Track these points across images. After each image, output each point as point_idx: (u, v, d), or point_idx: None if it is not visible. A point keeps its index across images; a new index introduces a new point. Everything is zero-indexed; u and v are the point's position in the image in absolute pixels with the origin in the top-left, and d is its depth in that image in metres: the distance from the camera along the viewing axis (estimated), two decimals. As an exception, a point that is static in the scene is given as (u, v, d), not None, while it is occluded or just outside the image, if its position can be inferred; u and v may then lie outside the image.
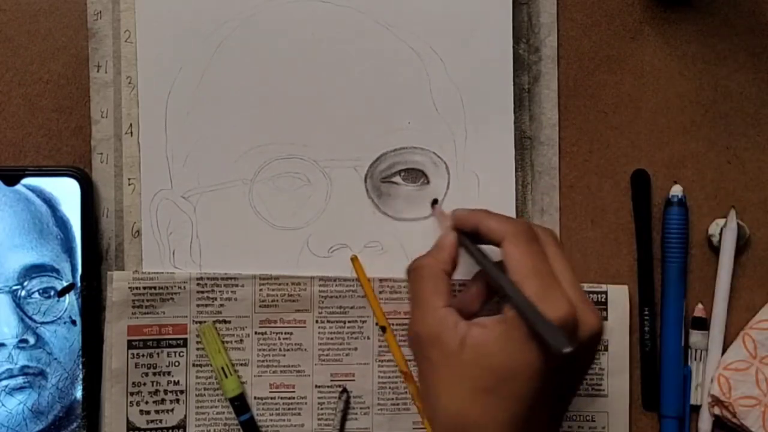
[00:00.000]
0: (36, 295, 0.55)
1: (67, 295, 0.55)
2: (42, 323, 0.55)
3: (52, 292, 0.55)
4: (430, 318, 0.46)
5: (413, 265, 0.50)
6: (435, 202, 0.57)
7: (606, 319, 0.58)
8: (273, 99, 0.57)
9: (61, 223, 0.55)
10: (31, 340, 0.55)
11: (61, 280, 0.55)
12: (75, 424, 0.55)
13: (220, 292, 0.56)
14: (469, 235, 0.51)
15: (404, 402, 0.58)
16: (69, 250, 0.55)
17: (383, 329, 0.57)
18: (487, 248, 0.50)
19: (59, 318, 0.55)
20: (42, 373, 0.55)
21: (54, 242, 0.55)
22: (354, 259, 0.57)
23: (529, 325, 0.43)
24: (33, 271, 0.55)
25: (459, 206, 0.54)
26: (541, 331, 0.42)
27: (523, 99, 0.58)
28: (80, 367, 0.55)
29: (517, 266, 0.45)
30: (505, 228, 0.47)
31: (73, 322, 0.55)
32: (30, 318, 0.55)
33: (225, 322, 0.57)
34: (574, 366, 0.47)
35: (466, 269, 0.52)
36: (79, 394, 0.55)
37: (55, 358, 0.55)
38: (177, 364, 0.56)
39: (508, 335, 0.44)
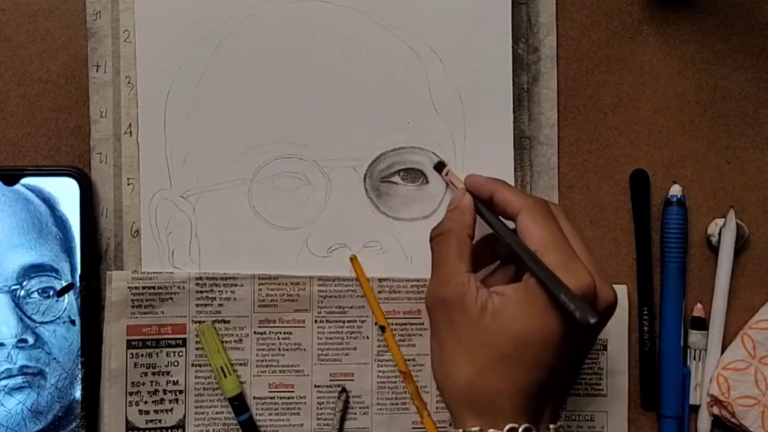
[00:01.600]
0: (35, 294, 0.55)
1: (66, 295, 0.55)
2: (41, 323, 0.55)
3: (51, 292, 0.55)
4: (453, 281, 0.47)
5: (438, 229, 0.51)
6: (443, 164, 0.57)
7: (605, 318, 0.58)
8: (272, 99, 0.57)
9: (60, 222, 0.55)
10: (30, 340, 0.55)
11: (60, 279, 0.55)
12: (74, 424, 0.55)
13: (219, 291, 0.56)
14: (480, 202, 0.51)
15: (403, 402, 0.58)
16: (68, 250, 0.55)
17: (382, 329, 0.57)
18: None
19: (58, 318, 0.55)
20: (41, 373, 0.55)
21: (53, 242, 0.55)
22: (353, 259, 0.57)
23: (552, 295, 0.44)
24: (32, 270, 0.55)
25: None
26: (567, 302, 0.43)
27: (522, 99, 0.58)
28: (79, 366, 0.55)
29: (536, 238, 0.46)
30: (522, 201, 0.48)
31: (72, 322, 0.55)
32: (29, 318, 0.55)
33: (224, 321, 0.57)
34: (588, 335, 0.47)
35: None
36: (78, 394, 0.55)
37: (54, 358, 0.55)
38: (176, 363, 0.56)
39: (528, 303, 0.45)
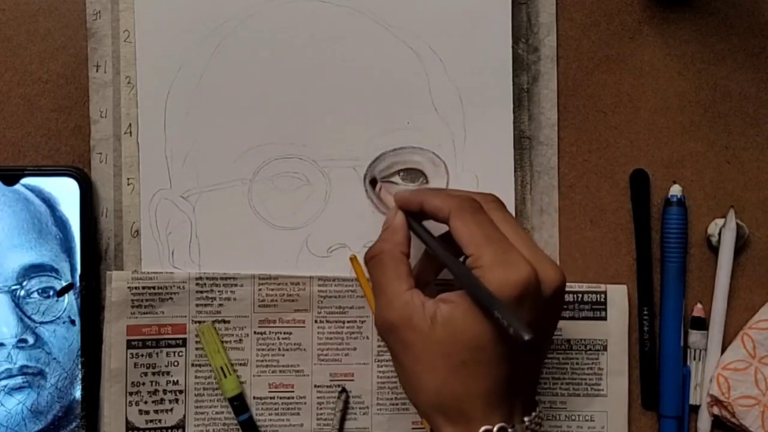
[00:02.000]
0: (35, 294, 0.55)
1: (66, 295, 0.55)
2: (41, 323, 0.55)
3: (51, 292, 0.55)
4: (396, 303, 0.47)
5: (371, 252, 0.50)
6: (375, 182, 0.56)
7: (605, 319, 0.58)
8: (272, 99, 0.57)
9: (60, 222, 0.55)
10: (30, 340, 0.55)
11: (60, 279, 0.55)
12: (74, 424, 0.55)
13: (219, 291, 0.56)
14: (414, 215, 0.51)
15: (403, 402, 0.58)
16: (68, 250, 0.55)
17: None
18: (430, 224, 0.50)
19: (58, 318, 0.55)
20: (41, 373, 0.55)
21: (53, 242, 0.55)
22: (353, 259, 0.57)
23: (487, 313, 0.44)
24: (32, 270, 0.55)
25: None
26: (501, 319, 0.43)
27: (522, 99, 0.58)
28: (79, 366, 0.55)
29: (468, 239, 0.46)
30: (449, 204, 0.48)
31: (72, 322, 0.55)
32: (29, 318, 0.55)
33: (224, 321, 0.57)
34: (543, 325, 0.47)
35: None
36: (78, 394, 0.55)
37: (54, 358, 0.55)
38: (176, 363, 0.56)
39: (475, 309, 0.45)
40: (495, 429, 0.45)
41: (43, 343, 0.55)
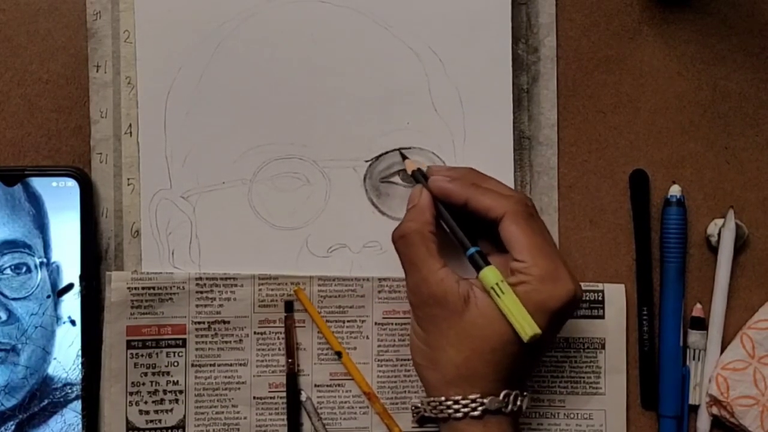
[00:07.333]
0: (8, 271, 0.55)
1: (40, 271, 0.55)
2: (14, 299, 0.55)
3: (24, 269, 0.55)
4: (432, 279, 0.49)
5: (400, 232, 0.51)
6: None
7: (603, 317, 0.58)
8: (272, 99, 0.57)
9: (34, 198, 0.55)
10: (3, 316, 0.55)
11: (33, 256, 0.55)
12: (46, 401, 0.55)
13: (219, 292, 0.56)
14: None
15: (403, 401, 0.58)
16: (41, 226, 0.55)
17: (339, 354, 0.57)
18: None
19: (31, 294, 0.55)
20: (14, 349, 0.55)
21: (26, 218, 0.55)
22: (297, 291, 0.57)
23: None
24: (4, 247, 0.55)
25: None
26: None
27: (522, 99, 0.58)
28: (80, 367, 0.55)
29: (521, 246, 0.48)
30: (503, 206, 0.49)
31: (73, 322, 0.55)
32: (2, 294, 0.54)
33: (224, 322, 0.57)
34: (558, 329, 0.51)
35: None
36: (50, 370, 0.55)
37: (27, 335, 0.55)
38: (176, 364, 0.57)
39: None
40: (501, 394, 0.48)
41: (16, 319, 0.55)
